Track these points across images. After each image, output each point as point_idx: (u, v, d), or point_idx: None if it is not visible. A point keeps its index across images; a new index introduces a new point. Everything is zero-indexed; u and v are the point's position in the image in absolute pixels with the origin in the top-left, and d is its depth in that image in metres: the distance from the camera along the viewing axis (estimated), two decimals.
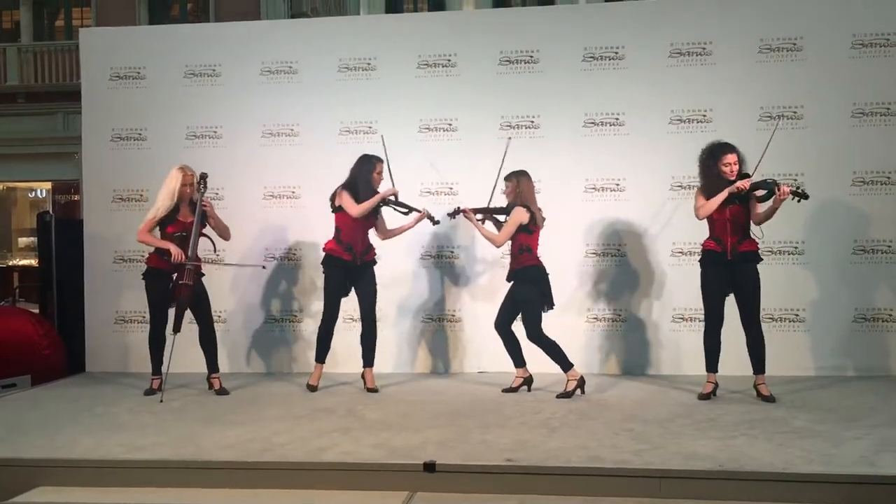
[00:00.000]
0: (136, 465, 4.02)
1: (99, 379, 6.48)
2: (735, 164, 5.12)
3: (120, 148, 6.90)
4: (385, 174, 5.70)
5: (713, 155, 5.19)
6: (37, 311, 7.17)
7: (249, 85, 6.79)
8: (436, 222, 5.76)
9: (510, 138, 5.44)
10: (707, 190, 5.19)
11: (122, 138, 6.91)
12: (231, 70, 6.82)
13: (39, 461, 4.09)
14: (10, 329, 6.26)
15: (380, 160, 5.69)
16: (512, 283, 5.60)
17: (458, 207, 5.74)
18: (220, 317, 6.51)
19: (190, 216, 5.68)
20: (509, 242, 5.59)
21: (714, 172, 5.16)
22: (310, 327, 6.60)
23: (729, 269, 5.19)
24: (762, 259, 5.27)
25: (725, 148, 5.18)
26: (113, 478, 3.98)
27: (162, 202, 5.68)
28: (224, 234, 5.86)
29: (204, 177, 5.70)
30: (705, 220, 5.26)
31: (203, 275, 5.83)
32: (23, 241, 17.69)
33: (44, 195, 18.18)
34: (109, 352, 6.81)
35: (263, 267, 6.48)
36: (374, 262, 5.82)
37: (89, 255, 6.89)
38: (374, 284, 5.80)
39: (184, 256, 5.59)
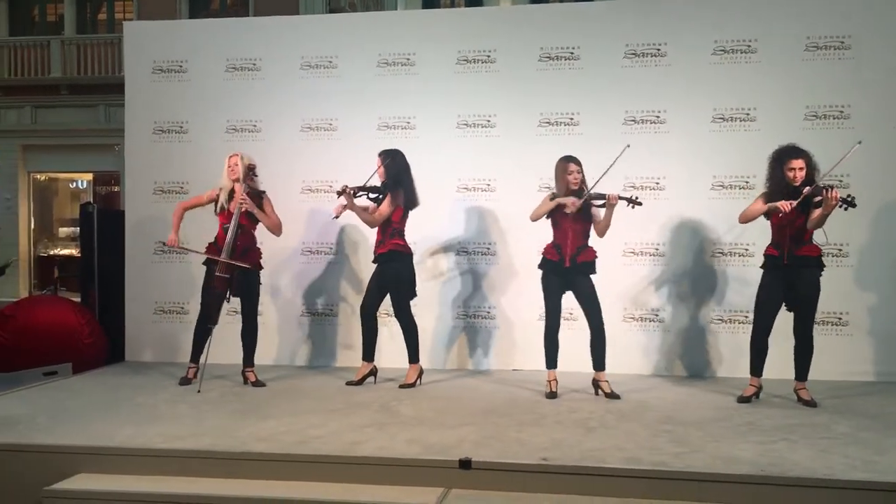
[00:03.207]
0: (174, 455, 4.06)
1: (138, 368, 6.57)
2: (801, 170, 4.98)
3: (161, 140, 6.99)
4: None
5: (779, 158, 5.07)
6: (78, 300, 7.27)
7: (289, 79, 6.83)
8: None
9: (628, 146, 5.36)
10: (769, 194, 5.10)
11: (164, 131, 6.99)
12: (271, 64, 6.87)
13: (81, 448, 4.15)
14: (54, 318, 6.38)
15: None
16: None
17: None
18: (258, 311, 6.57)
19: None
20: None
21: (778, 176, 5.05)
22: (345, 321, 6.64)
23: (785, 274, 5.09)
24: (824, 266, 5.15)
25: (793, 152, 5.04)
26: (152, 466, 4.03)
27: (219, 185, 5.76)
28: (273, 229, 5.85)
29: (251, 168, 5.73)
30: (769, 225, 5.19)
31: (257, 269, 5.84)
32: (63, 230, 18.00)
33: (84, 186, 18.49)
34: (148, 341, 6.92)
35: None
36: (399, 259, 5.75)
37: (130, 246, 6.98)
38: (399, 280, 5.74)
39: (175, 243, 5.65)
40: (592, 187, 5.30)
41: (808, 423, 4.65)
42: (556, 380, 5.45)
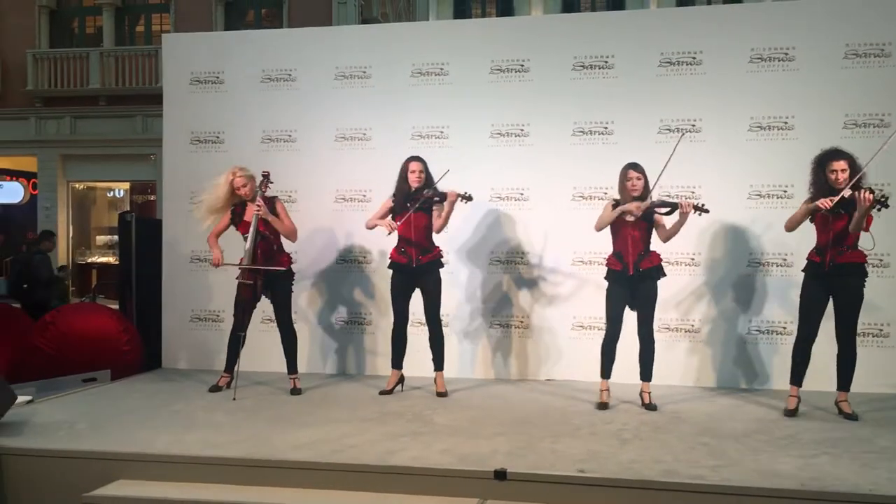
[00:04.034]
0: (212, 462, 4.10)
1: (174, 375, 6.65)
2: (843, 172, 4.90)
3: (198, 150, 7.08)
4: None
5: (821, 161, 5.01)
6: (116, 307, 7.38)
7: (324, 89, 6.88)
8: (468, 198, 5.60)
9: (683, 133, 5.33)
10: (812, 198, 5.03)
11: (201, 141, 7.08)
12: (306, 74, 6.93)
13: (121, 454, 4.21)
14: (94, 325, 6.46)
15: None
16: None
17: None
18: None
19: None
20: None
21: (821, 180, 4.98)
22: (378, 329, 6.66)
23: (828, 282, 5.01)
24: (867, 274, 5.06)
25: (835, 154, 4.98)
26: (190, 473, 4.07)
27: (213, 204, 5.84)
28: (288, 235, 5.88)
29: (265, 175, 5.78)
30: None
31: (290, 275, 5.88)
32: (101, 238, 18.29)
33: (121, 195, 18.78)
34: (185, 349, 6.99)
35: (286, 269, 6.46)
36: (440, 266, 5.81)
37: (167, 255, 7.08)
38: (439, 289, 5.78)
39: (221, 262, 5.69)
40: (654, 187, 5.26)
41: (850, 436, 4.56)
42: (608, 390, 5.39)
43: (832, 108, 6.03)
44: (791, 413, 5.08)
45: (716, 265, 6.22)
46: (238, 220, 5.85)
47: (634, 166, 5.33)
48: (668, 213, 5.30)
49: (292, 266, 6.01)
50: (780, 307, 6.00)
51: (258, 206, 5.68)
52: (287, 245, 5.97)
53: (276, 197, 5.94)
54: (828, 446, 4.32)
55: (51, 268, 9.47)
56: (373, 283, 6.74)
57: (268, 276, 5.77)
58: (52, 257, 9.71)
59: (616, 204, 5.36)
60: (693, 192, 6.20)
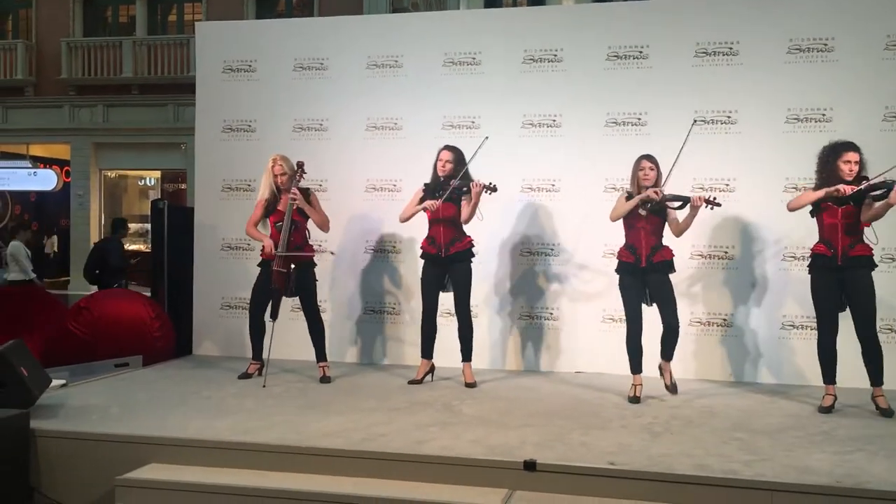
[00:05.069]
0: (243, 448, 4.14)
1: (205, 362, 6.71)
2: (856, 164, 4.88)
3: (230, 139, 7.11)
4: None
5: (834, 150, 4.97)
6: (148, 294, 7.45)
7: (355, 78, 6.88)
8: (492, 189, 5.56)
9: (695, 121, 5.31)
10: (818, 187, 4.99)
11: (233, 129, 7.12)
12: (338, 63, 6.93)
13: (153, 439, 4.26)
14: (126, 311, 6.54)
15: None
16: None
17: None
18: (320, 307, 6.64)
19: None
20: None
21: (831, 168, 4.94)
22: (407, 319, 6.67)
23: (840, 275, 4.95)
24: (876, 265, 5.00)
25: (848, 146, 4.95)
26: (221, 459, 4.11)
27: (261, 193, 5.92)
28: (321, 225, 5.93)
29: (300, 165, 5.81)
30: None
31: (313, 265, 5.92)
32: (132, 226, 18.48)
33: (152, 183, 18.99)
34: (215, 336, 7.05)
35: (332, 253, 6.58)
36: (470, 256, 5.79)
37: (199, 242, 7.13)
38: (470, 279, 5.77)
39: (273, 250, 5.72)
40: (667, 178, 5.23)
41: (887, 433, 4.48)
42: (641, 384, 5.36)
43: (872, 101, 5.91)
44: (826, 410, 5.01)
45: (750, 258, 6.13)
46: (272, 210, 5.88)
47: (648, 157, 5.32)
48: (679, 208, 5.29)
49: (331, 252, 6.20)
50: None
51: (294, 195, 5.71)
52: (318, 234, 6.00)
53: (309, 189, 5.97)
54: (863, 443, 4.25)
55: (121, 255, 9.73)
56: (402, 273, 6.74)
57: (297, 268, 5.80)
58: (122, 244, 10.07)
59: (629, 195, 5.33)
60: (727, 185, 6.13)
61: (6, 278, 11.27)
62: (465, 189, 5.57)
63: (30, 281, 11.05)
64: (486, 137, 5.63)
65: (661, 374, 5.44)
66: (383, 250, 6.81)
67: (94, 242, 12.51)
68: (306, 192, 5.87)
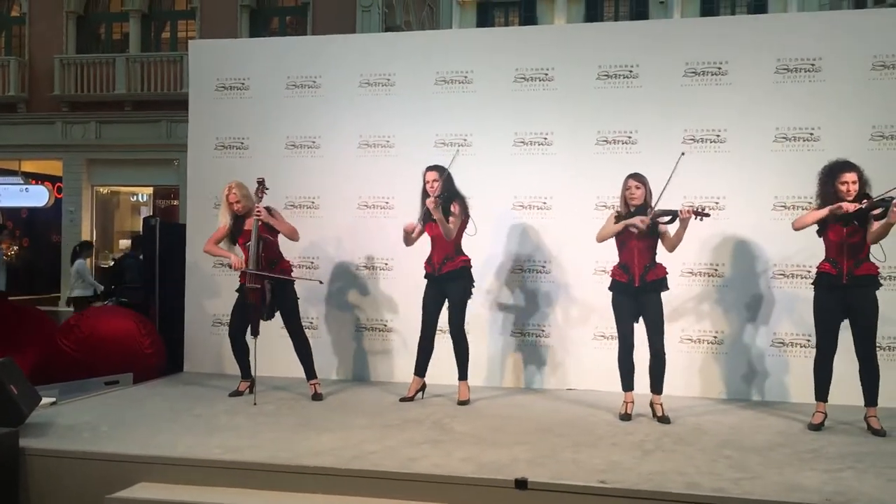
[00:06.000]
0: (234, 466, 4.13)
1: (196, 379, 6.68)
2: (853, 184, 4.89)
3: (223, 156, 7.12)
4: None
5: (831, 172, 4.99)
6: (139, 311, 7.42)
7: (348, 96, 6.91)
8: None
9: (683, 154, 5.36)
10: (820, 207, 5.01)
11: (225, 147, 7.13)
12: (330, 81, 6.96)
13: (143, 457, 4.25)
14: (117, 328, 6.52)
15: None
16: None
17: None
18: (311, 323, 6.65)
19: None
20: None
21: (830, 190, 4.96)
22: (400, 336, 6.66)
23: (844, 294, 4.96)
24: (881, 284, 5.03)
25: (845, 166, 4.97)
26: (211, 477, 4.10)
27: (221, 220, 5.94)
28: (290, 235, 5.92)
29: (260, 183, 5.80)
30: (822, 242, 5.09)
31: (291, 282, 5.90)
32: (124, 242, 18.44)
33: (144, 199, 18.95)
34: (206, 353, 7.03)
35: (321, 282, 6.44)
36: (463, 275, 5.79)
37: (190, 259, 7.12)
38: (466, 298, 5.80)
39: (243, 264, 5.72)
40: (657, 203, 5.24)
41: (876, 451, 4.50)
42: (632, 402, 5.35)
43: (859, 120, 5.98)
44: (816, 427, 5.02)
45: (739, 276, 6.17)
46: (238, 232, 5.88)
47: (635, 176, 5.33)
48: (669, 222, 5.27)
49: (319, 281, 6.23)
50: (804, 319, 5.90)
51: (258, 211, 5.72)
52: (309, 251, 6.01)
53: (269, 206, 5.92)
54: (853, 461, 4.26)
55: (137, 272, 9.77)
56: (393, 290, 6.75)
57: (273, 284, 5.79)
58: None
59: (619, 215, 5.35)
60: (717, 203, 6.17)
61: (69, 295, 11.62)
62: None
63: (94, 296, 11.20)
64: (458, 149, 5.65)
65: (652, 408, 5.33)
66: (375, 267, 6.82)
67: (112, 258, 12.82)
68: (268, 209, 5.86)
